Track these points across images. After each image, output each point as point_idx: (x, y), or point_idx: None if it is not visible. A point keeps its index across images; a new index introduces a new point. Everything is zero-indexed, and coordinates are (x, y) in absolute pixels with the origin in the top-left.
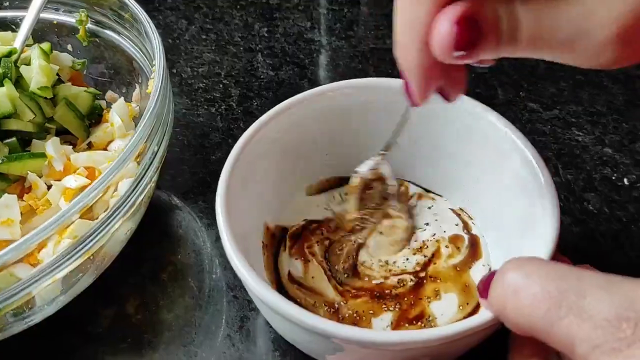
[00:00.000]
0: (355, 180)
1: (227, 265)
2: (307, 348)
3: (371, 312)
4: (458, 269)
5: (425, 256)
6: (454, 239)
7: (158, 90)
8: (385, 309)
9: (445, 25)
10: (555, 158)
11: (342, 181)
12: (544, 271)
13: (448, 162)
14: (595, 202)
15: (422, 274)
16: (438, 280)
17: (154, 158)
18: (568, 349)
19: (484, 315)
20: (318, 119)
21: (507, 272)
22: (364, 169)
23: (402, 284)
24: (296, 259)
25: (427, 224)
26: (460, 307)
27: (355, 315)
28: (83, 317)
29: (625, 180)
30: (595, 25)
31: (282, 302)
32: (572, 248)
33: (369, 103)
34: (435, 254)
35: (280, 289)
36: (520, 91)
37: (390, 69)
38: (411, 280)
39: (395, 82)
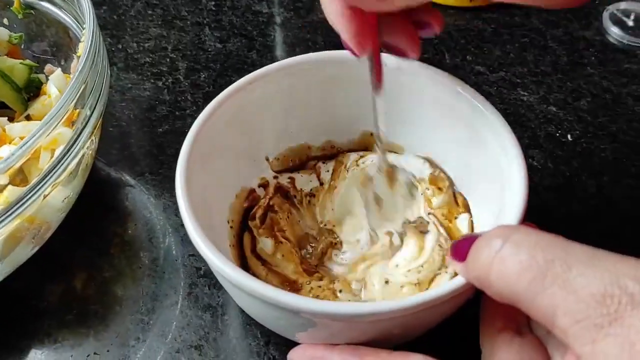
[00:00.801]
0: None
1: (175, 235)
2: (275, 326)
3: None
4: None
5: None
6: (433, 180)
7: (87, 51)
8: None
9: None
10: None
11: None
12: (532, 240)
13: (414, 128)
14: (540, 158)
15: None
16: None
17: (86, 123)
18: (549, 320)
19: (458, 281)
20: (283, 93)
21: (494, 239)
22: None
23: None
24: (266, 237)
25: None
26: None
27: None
28: (28, 291)
29: (569, 137)
30: None
31: (245, 278)
32: None
33: (332, 77)
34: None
35: (245, 267)
36: (467, 55)
37: (339, 38)
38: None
39: None
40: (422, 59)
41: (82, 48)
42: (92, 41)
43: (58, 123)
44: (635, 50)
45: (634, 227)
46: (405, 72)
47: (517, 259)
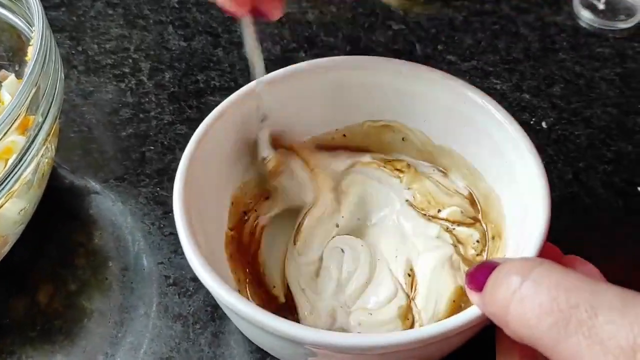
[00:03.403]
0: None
1: (143, 243)
2: (276, 351)
3: None
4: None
5: None
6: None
7: (36, 54)
8: None
9: None
10: None
11: None
12: (554, 279)
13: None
14: None
15: None
16: None
17: (39, 129)
18: None
19: (472, 312)
20: (286, 99)
21: (513, 275)
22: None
23: None
24: None
25: None
26: None
27: None
28: None
29: (544, 124)
30: None
31: (246, 306)
32: None
33: (334, 82)
34: None
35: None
36: (438, 45)
37: (307, 31)
38: None
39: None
40: (392, 51)
41: (32, 51)
42: (41, 43)
43: (9, 130)
44: (607, 33)
45: (611, 214)
46: (423, 79)
47: (537, 301)
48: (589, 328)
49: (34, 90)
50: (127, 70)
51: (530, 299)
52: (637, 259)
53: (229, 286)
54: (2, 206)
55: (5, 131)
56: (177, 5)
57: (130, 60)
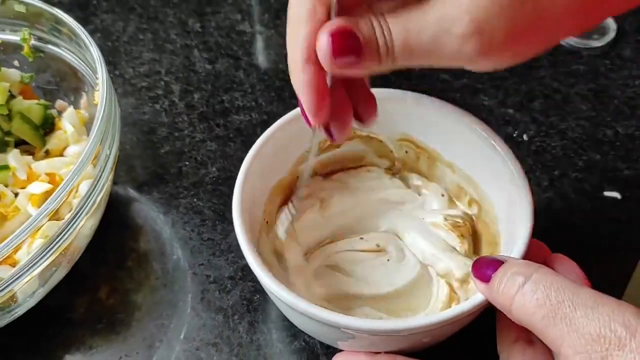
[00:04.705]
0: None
1: (184, 248)
2: (319, 335)
3: None
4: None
5: None
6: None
7: (104, 100)
8: None
9: (323, 37)
10: None
11: None
12: (548, 281)
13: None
14: None
15: None
16: None
17: (107, 160)
18: (556, 348)
19: (478, 298)
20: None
21: (518, 276)
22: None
23: None
24: None
25: None
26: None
27: None
28: (61, 307)
29: (525, 136)
30: (452, 20)
31: (298, 300)
32: None
33: None
34: None
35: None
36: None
37: None
38: None
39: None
40: (393, 72)
41: (98, 97)
42: (106, 91)
43: (87, 167)
44: (582, 51)
45: (580, 215)
46: (410, 104)
47: (534, 296)
48: (570, 319)
49: (104, 129)
50: (160, 92)
51: (530, 295)
52: (602, 253)
53: (287, 287)
54: (83, 226)
55: (86, 166)
56: (200, 30)
57: (162, 83)
